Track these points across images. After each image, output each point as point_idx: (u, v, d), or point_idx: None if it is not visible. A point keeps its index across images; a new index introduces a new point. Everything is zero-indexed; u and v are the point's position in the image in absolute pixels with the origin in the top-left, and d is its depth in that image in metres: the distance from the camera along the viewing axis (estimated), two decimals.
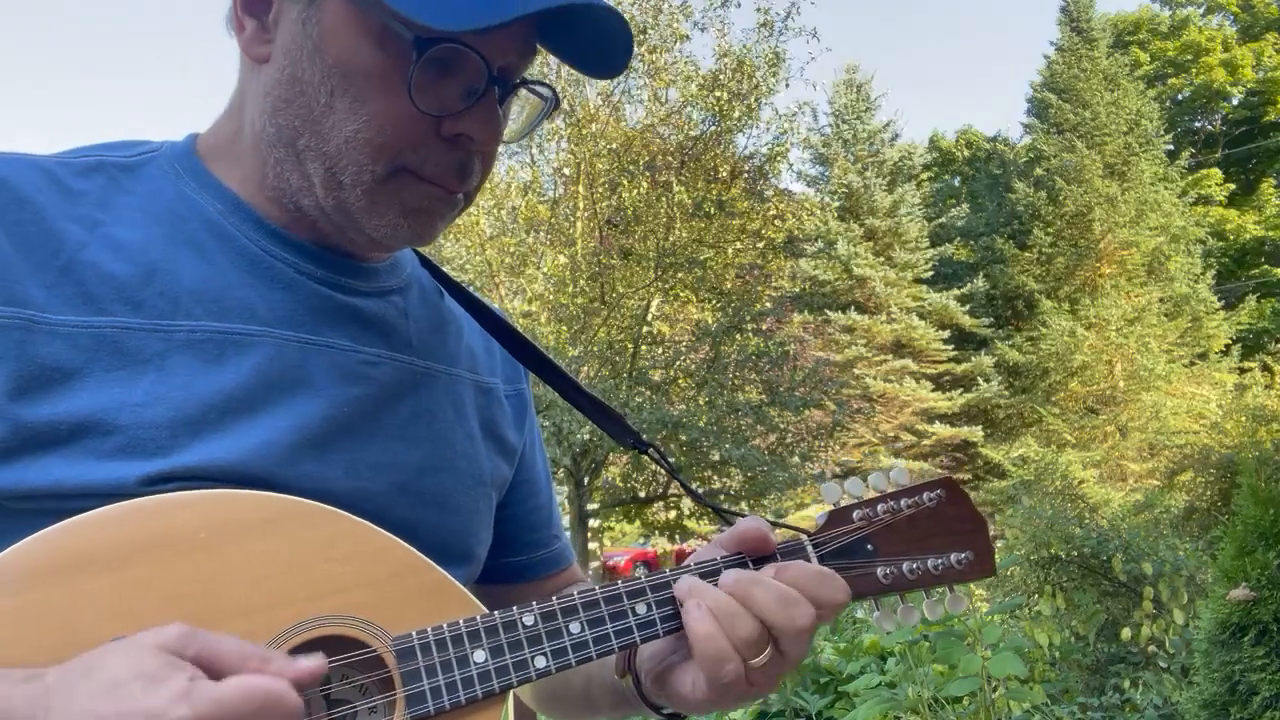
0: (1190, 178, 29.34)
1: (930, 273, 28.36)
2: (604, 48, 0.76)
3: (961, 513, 0.85)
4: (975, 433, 25.25)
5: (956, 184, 34.40)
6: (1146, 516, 6.96)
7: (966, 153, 34.75)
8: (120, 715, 0.49)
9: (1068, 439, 22.80)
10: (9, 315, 0.66)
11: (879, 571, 0.81)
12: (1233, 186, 30.41)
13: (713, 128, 14.09)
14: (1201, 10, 32.55)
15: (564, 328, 13.17)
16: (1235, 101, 31.60)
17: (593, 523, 15.61)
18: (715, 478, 14.72)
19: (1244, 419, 13.14)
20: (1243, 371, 23.93)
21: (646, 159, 13.70)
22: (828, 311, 26.13)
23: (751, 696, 0.73)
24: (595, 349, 12.97)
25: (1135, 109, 27.30)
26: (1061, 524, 4.68)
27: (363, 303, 0.81)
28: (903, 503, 0.83)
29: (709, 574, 0.77)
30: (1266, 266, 29.13)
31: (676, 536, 17.85)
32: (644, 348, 13.81)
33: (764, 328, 15.55)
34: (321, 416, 0.74)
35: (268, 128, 0.75)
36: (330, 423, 0.75)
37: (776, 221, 15.24)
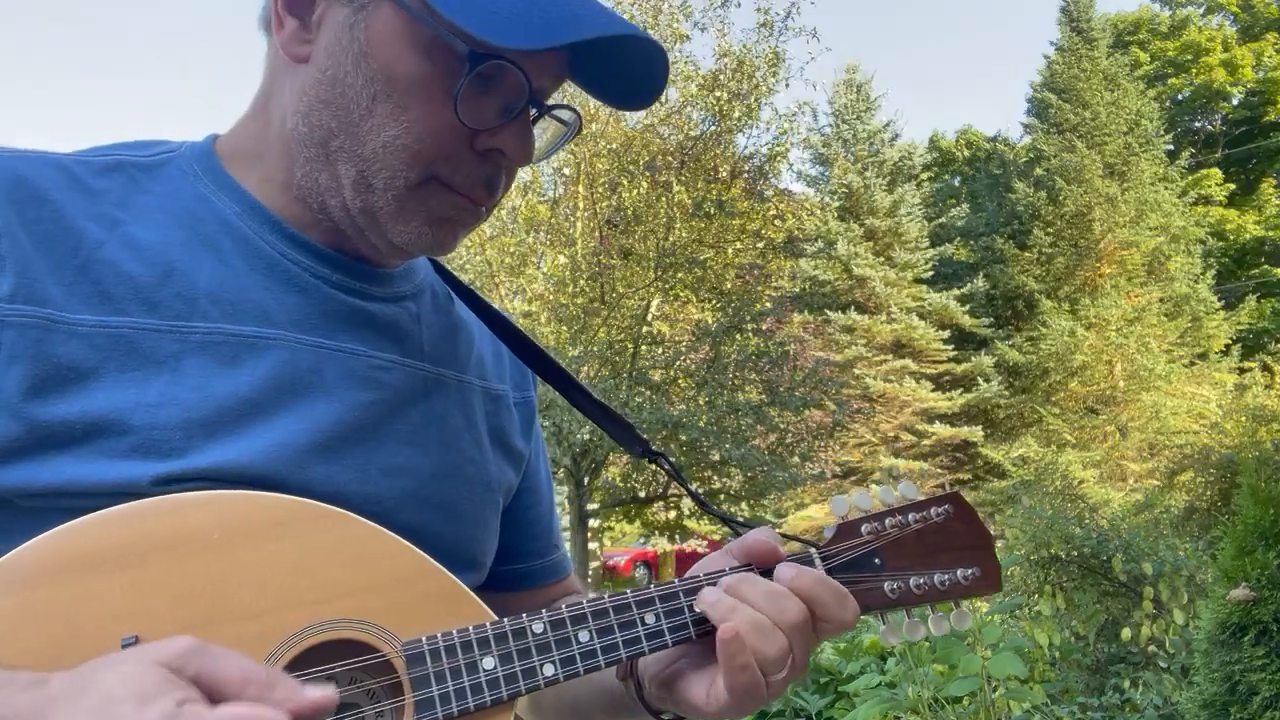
0: (1190, 178, 29.31)
1: (930, 273, 28.32)
2: (643, 78, 0.77)
3: (968, 528, 0.85)
4: (975, 433, 25.23)
5: (956, 184, 34.35)
6: (1146, 516, 6.96)
7: (966, 153, 34.72)
8: None
9: (1068, 439, 22.79)
10: (28, 314, 0.66)
11: (886, 586, 0.81)
12: (1233, 186, 30.38)
13: (713, 128, 14.08)
14: (1201, 10, 32.52)
15: (564, 328, 13.16)
16: (1235, 101, 31.56)
17: (593, 523, 15.60)
18: (715, 478, 14.71)
19: (1244, 419, 13.15)
20: (1243, 371, 23.91)
21: (646, 159, 13.69)
22: (828, 311, 26.10)
23: (764, 703, 0.74)
24: (595, 349, 12.96)
25: (1135, 109, 27.27)
26: (1061, 524, 4.68)
27: (377, 308, 0.82)
28: (910, 517, 0.84)
29: None
30: (1266, 266, 29.10)
31: (676, 536, 17.85)
32: (644, 348, 13.79)
33: (764, 328, 15.54)
34: (334, 420, 0.75)
35: (300, 126, 0.76)
36: (342, 427, 0.75)
37: (776, 221, 15.23)
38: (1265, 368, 22.96)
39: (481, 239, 13.29)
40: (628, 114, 14.10)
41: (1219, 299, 26.63)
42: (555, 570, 1.02)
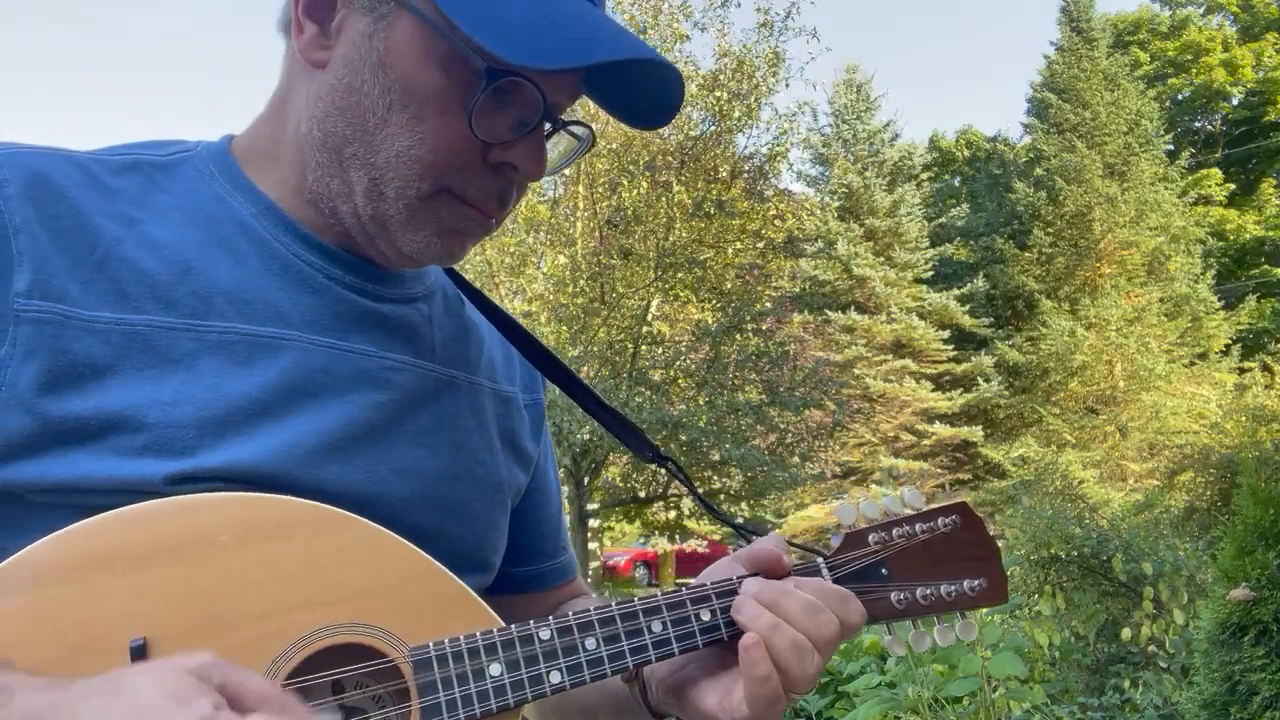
0: (1190, 178, 29.29)
1: (930, 273, 28.31)
2: (659, 99, 0.78)
3: (975, 538, 0.85)
4: (975, 433, 25.21)
5: (956, 184, 34.33)
6: (1146, 516, 6.96)
7: (966, 153, 34.70)
8: None
9: (1068, 439, 22.78)
10: (45, 310, 0.67)
11: (893, 596, 0.82)
12: (1233, 186, 30.36)
13: (712, 128, 14.07)
14: (1201, 10, 32.50)
15: (564, 328, 13.15)
16: (1235, 101, 31.54)
17: (593, 523, 15.60)
18: (715, 478, 14.71)
19: (1244, 419, 13.15)
20: (1243, 371, 23.90)
21: (646, 159, 13.69)
22: (828, 311, 26.08)
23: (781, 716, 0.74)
24: (595, 349, 12.95)
25: (1135, 109, 27.25)
26: (1061, 524, 4.68)
27: (389, 309, 0.82)
28: (917, 527, 0.84)
29: (725, 594, 0.77)
30: (1266, 266, 29.09)
31: (676, 537, 17.85)
32: (644, 348, 13.79)
33: (764, 328, 15.53)
34: (344, 421, 0.75)
35: (314, 131, 0.76)
36: (353, 427, 0.76)
37: (776, 221, 15.22)
38: (1265, 368, 22.96)
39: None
40: None
41: (1219, 299, 26.61)
42: (563, 572, 1.03)
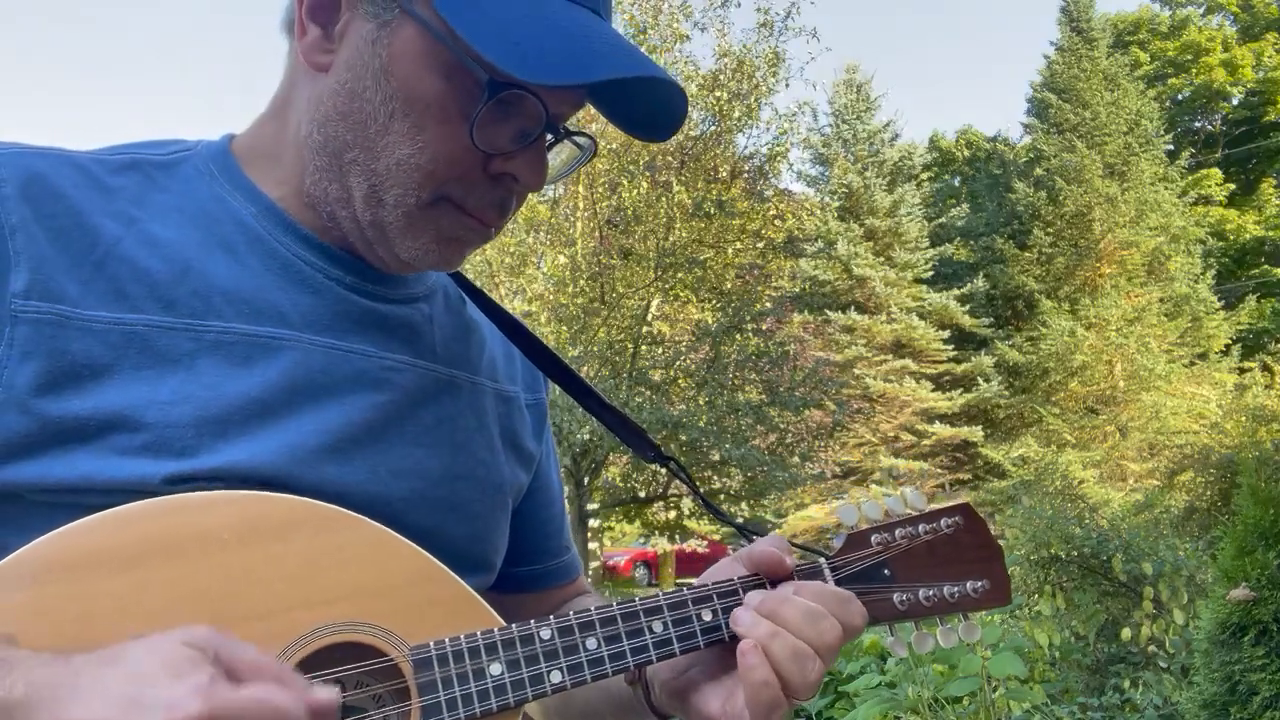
0: (1190, 178, 29.29)
1: (930, 273, 28.31)
2: (662, 114, 0.77)
3: (978, 539, 0.85)
4: (975, 433, 25.22)
5: (956, 184, 34.33)
6: (1146, 516, 6.97)
7: (966, 153, 34.70)
8: (142, 698, 0.50)
9: (1068, 439, 22.78)
10: (43, 310, 0.67)
11: (895, 598, 0.81)
12: (1233, 186, 30.36)
13: (713, 128, 14.08)
14: (1201, 10, 32.50)
15: (564, 328, 13.16)
16: (1235, 101, 31.54)
17: (593, 523, 15.61)
18: (715, 478, 14.71)
19: (1244, 419, 13.16)
20: (1243, 371, 23.90)
21: (646, 159, 13.68)
22: (828, 311, 26.08)
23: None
24: (595, 349, 12.96)
25: (1135, 109, 27.26)
26: (1061, 524, 4.68)
27: (389, 309, 0.82)
28: (920, 528, 0.84)
29: (726, 594, 0.77)
30: (1266, 266, 29.09)
31: (676, 536, 17.85)
32: (644, 348, 13.79)
33: (764, 328, 15.54)
34: (344, 421, 0.75)
35: (315, 135, 0.76)
36: (353, 428, 0.76)
37: (776, 221, 15.23)
38: (1265, 368, 22.96)
39: None
40: None
41: (1219, 299, 26.62)
42: (567, 571, 1.03)
